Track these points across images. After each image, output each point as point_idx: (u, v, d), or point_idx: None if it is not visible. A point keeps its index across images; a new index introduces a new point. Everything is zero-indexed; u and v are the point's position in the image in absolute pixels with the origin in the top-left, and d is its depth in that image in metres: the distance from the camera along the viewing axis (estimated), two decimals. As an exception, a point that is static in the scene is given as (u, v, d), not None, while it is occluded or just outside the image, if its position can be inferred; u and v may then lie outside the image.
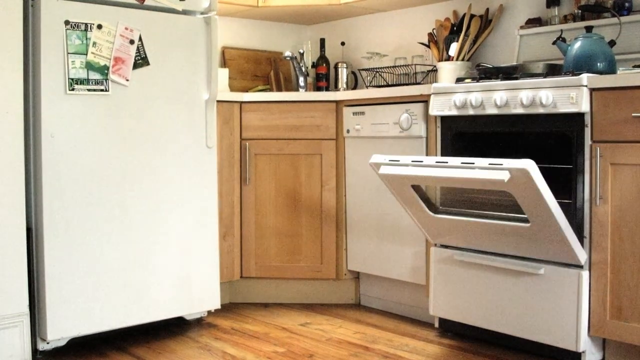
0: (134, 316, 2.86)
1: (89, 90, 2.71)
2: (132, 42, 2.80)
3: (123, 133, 2.82)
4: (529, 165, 2.25)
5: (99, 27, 2.72)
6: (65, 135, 2.67)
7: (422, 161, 2.55)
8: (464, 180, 2.42)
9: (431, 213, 2.73)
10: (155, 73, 2.89)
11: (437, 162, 2.50)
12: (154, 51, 2.89)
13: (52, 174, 2.64)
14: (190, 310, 3.05)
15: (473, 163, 2.39)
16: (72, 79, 2.67)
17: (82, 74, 2.69)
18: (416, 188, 2.67)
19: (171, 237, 2.97)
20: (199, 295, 3.07)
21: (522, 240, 2.55)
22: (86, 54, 2.69)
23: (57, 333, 2.65)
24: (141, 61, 2.85)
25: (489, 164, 2.33)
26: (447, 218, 2.70)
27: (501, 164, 2.30)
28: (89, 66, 2.71)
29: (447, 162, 2.46)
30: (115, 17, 2.77)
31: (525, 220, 2.45)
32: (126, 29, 2.78)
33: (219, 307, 3.16)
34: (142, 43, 2.84)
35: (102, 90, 2.74)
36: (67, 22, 2.65)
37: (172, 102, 2.96)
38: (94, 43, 2.71)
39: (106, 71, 2.74)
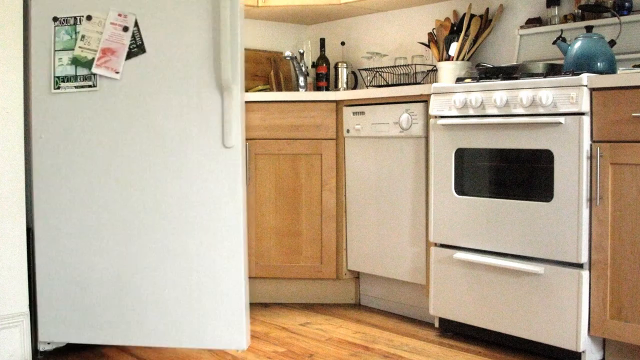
0: (138, 333, 2.61)
1: (76, 87, 2.57)
2: (125, 29, 2.56)
3: (115, 131, 2.57)
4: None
5: (89, 18, 2.55)
6: (53, 136, 2.58)
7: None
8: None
9: (455, 194, 2.83)
10: (155, 61, 2.54)
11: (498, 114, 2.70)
12: (155, 36, 2.54)
13: (43, 175, 2.59)
14: (205, 344, 2.54)
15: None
16: (58, 77, 2.57)
17: (69, 70, 2.57)
18: (456, 158, 2.85)
19: (180, 244, 2.56)
20: (217, 323, 2.54)
21: (534, 226, 2.57)
22: (74, 49, 2.57)
23: (55, 337, 2.63)
24: (136, 49, 2.54)
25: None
26: (469, 198, 2.80)
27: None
28: (76, 61, 2.56)
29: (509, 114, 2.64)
30: (106, 4, 2.55)
31: (547, 199, 2.52)
32: (119, 15, 2.56)
33: (244, 347, 2.55)
34: (138, 29, 2.54)
35: (89, 86, 2.57)
36: (55, 19, 2.56)
37: (177, 93, 2.54)
38: (83, 36, 2.56)
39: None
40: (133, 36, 2.56)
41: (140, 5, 2.55)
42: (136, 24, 2.55)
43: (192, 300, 2.57)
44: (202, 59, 2.52)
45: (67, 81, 2.57)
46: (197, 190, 2.55)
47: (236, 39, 2.48)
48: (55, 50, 2.56)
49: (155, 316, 2.59)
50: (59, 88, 2.57)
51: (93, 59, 2.55)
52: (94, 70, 2.55)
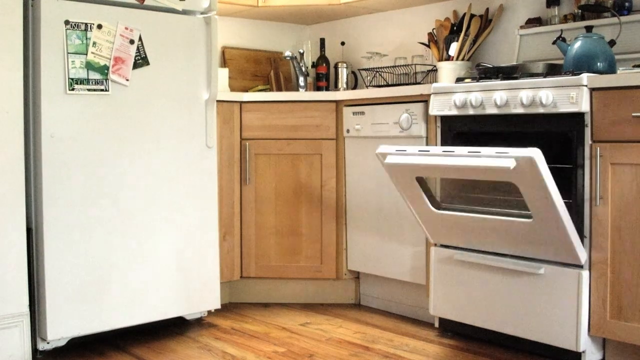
0: (134, 316, 2.86)
1: (89, 90, 2.71)
2: (132, 42, 2.81)
3: (123, 133, 2.82)
4: (535, 153, 2.27)
5: (99, 27, 2.72)
6: (65, 135, 2.67)
7: (428, 151, 2.57)
8: (470, 169, 2.43)
9: (434, 209, 2.74)
10: (155, 73, 2.90)
11: (443, 151, 2.52)
12: (154, 51, 2.89)
13: (52, 174, 2.64)
14: (190, 310, 3.05)
15: (479, 152, 2.41)
16: (72, 79, 2.67)
17: (82, 73, 2.69)
18: (420, 181, 2.69)
19: (171, 237, 2.97)
20: (199, 295, 3.07)
21: (523, 238, 2.55)
22: (86, 54, 2.70)
23: (57, 333, 2.65)
24: (141, 61, 2.85)
25: (495, 152, 2.36)
26: (449, 214, 2.70)
27: (507, 152, 2.33)
28: (89, 66, 2.71)
29: (453, 152, 2.48)
30: (115, 17, 2.77)
31: (528, 216, 2.45)
32: (126, 28, 2.78)
33: (219, 307, 3.16)
34: (142, 43, 2.84)
35: (102, 90, 2.74)
36: (67, 22, 2.65)
37: (172, 101, 2.96)
38: (94, 43, 2.71)
39: (106, 71, 2.75)
40: (138, 49, 2.85)
41: (143, 23, 2.86)
42: (140, 39, 2.85)
43: (184, 277, 3.02)
44: (194, 76, 3.03)
45: (80, 83, 2.70)
46: (188, 181, 3.03)
47: (216, 60, 3.08)
48: (68, 53, 2.66)
49: (155, 295, 2.93)
50: (73, 89, 2.68)
51: (105, 65, 2.74)
52: (111, 76, 2.76)
